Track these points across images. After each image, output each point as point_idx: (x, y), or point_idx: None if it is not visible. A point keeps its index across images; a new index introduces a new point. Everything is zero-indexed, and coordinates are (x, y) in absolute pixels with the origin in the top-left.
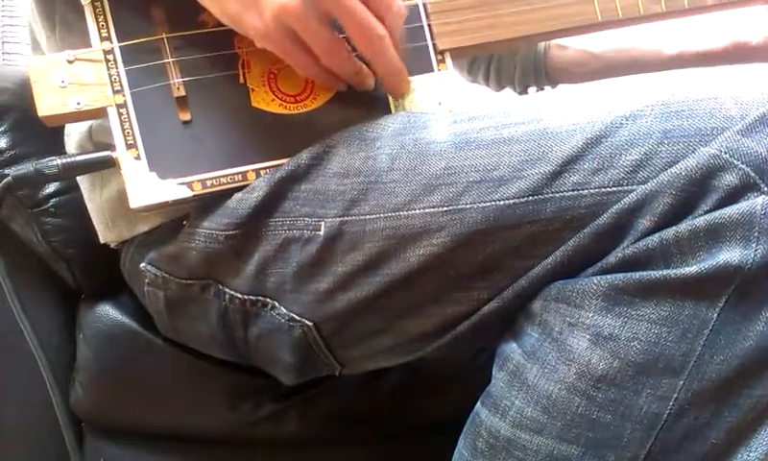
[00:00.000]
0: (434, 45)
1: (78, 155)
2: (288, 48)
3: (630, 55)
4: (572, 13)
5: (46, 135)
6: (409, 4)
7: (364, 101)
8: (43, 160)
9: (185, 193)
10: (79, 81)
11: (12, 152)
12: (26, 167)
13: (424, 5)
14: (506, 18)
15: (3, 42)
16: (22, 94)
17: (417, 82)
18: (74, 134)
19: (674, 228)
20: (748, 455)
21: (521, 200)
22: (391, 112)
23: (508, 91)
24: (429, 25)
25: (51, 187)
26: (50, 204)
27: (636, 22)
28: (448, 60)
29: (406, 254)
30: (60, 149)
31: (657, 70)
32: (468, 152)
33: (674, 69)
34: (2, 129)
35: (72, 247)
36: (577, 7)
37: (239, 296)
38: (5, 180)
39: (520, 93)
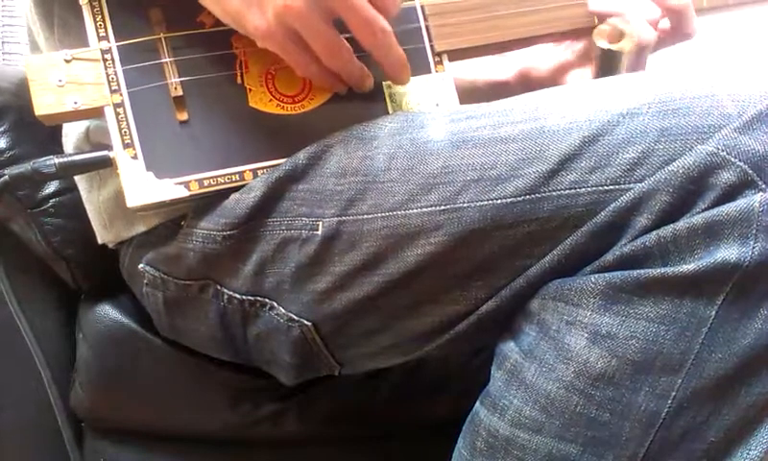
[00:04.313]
0: (431, 47)
1: (75, 154)
2: (289, 48)
3: None
4: (569, 16)
5: (46, 136)
6: (407, 5)
7: (361, 101)
8: (40, 160)
9: (182, 193)
10: (76, 80)
11: (12, 152)
12: (23, 166)
13: (422, 6)
14: (504, 20)
15: (3, 42)
16: (22, 94)
17: (414, 83)
18: (71, 135)
19: (672, 226)
20: (747, 453)
21: (519, 199)
22: (388, 113)
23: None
24: (427, 26)
25: (51, 187)
26: (50, 204)
27: None
28: (446, 61)
29: (404, 254)
30: (60, 148)
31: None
32: (466, 151)
33: (471, 96)
34: (2, 129)
35: (72, 247)
36: (574, 9)
37: (238, 296)
38: (2, 179)
39: None
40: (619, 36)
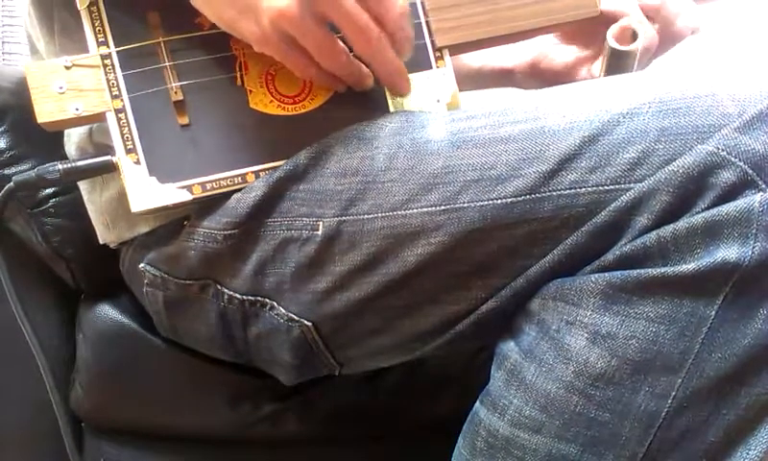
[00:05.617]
0: (432, 42)
1: (79, 160)
2: (286, 52)
3: None
4: (572, 6)
5: (46, 135)
6: (407, 1)
7: (362, 100)
8: (45, 166)
9: (185, 197)
10: (77, 86)
11: (13, 152)
12: (27, 173)
13: (422, 2)
14: (504, 13)
15: (3, 42)
16: (21, 94)
17: (415, 79)
18: (74, 135)
19: (672, 225)
20: (747, 454)
21: (519, 198)
22: (389, 111)
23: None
24: (427, 22)
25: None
26: (50, 204)
27: None
28: (447, 57)
29: (404, 254)
30: (60, 148)
31: (462, 81)
32: (466, 151)
33: (477, 82)
34: (1, 129)
35: (72, 247)
36: None
37: (238, 296)
38: (7, 186)
39: None
40: (632, 36)
